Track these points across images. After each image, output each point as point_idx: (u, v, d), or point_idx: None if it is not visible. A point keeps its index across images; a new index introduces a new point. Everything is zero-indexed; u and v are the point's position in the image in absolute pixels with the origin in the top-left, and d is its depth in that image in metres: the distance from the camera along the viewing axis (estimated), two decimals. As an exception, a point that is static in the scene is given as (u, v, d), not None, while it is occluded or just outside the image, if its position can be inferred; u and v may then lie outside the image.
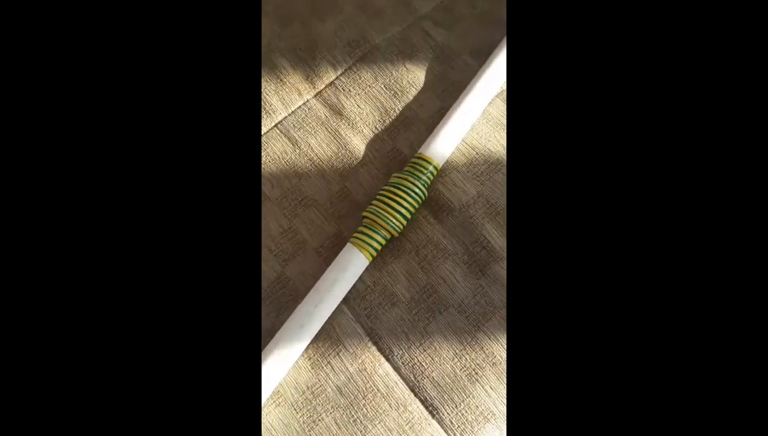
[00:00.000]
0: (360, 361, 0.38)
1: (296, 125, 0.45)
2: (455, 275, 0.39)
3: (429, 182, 0.41)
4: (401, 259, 0.40)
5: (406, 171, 0.41)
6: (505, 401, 0.36)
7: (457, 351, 0.37)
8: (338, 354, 0.38)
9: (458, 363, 0.37)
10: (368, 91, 0.46)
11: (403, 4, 0.49)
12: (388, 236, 0.39)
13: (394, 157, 0.44)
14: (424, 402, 0.37)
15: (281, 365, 0.36)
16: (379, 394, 0.37)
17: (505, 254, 0.39)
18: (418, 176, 0.40)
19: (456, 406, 0.36)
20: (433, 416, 0.36)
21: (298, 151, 0.44)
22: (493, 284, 0.39)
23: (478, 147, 0.43)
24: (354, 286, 0.39)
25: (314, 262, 0.40)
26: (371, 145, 0.44)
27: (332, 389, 0.37)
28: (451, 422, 0.36)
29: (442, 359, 0.37)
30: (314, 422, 0.36)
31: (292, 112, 0.45)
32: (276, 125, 0.45)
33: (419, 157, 0.41)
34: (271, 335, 0.37)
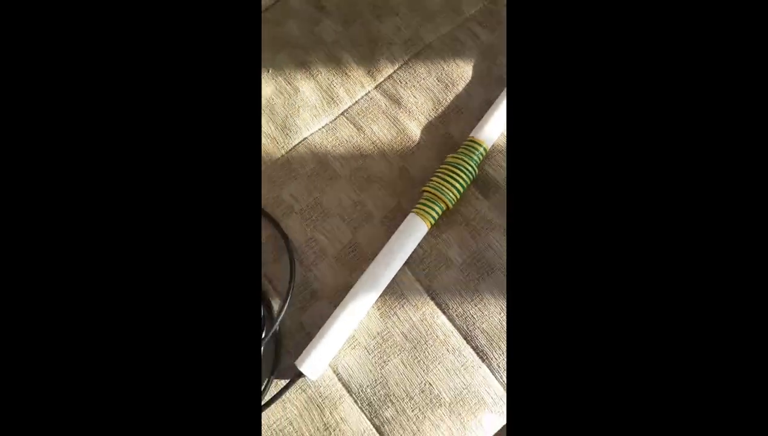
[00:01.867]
0: (421, 312, 0.44)
1: (360, 113, 0.52)
2: (500, 243, 0.46)
3: (479, 162, 0.47)
4: (454, 229, 0.47)
5: (460, 152, 0.47)
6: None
7: (503, 307, 0.44)
8: (402, 306, 0.44)
9: (504, 317, 0.43)
10: (422, 83, 0.53)
11: (452, 8, 0.56)
12: (444, 208, 0.46)
13: (446, 141, 0.50)
14: (475, 349, 0.43)
15: (356, 315, 0.42)
16: (438, 340, 0.43)
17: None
18: (470, 156, 0.47)
19: (503, 352, 0.43)
20: (482, 360, 0.43)
21: (362, 135, 0.51)
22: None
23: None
24: (414, 251, 0.46)
25: (379, 230, 0.47)
26: (426, 131, 0.51)
27: (399, 335, 0.44)
28: (498, 366, 0.42)
29: (490, 313, 0.44)
30: (384, 362, 0.43)
31: (356, 101, 0.52)
32: (342, 113, 0.52)
33: (471, 141, 0.48)
34: (346, 290, 0.44)
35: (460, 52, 0.53)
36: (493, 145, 0.49)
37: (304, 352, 0.41)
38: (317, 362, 0.41)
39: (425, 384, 0.42)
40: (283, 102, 0.52)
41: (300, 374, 0.41)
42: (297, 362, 0.41)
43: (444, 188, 0.45)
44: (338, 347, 0.42)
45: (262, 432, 0.41)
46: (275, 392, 0.41)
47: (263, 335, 0.42)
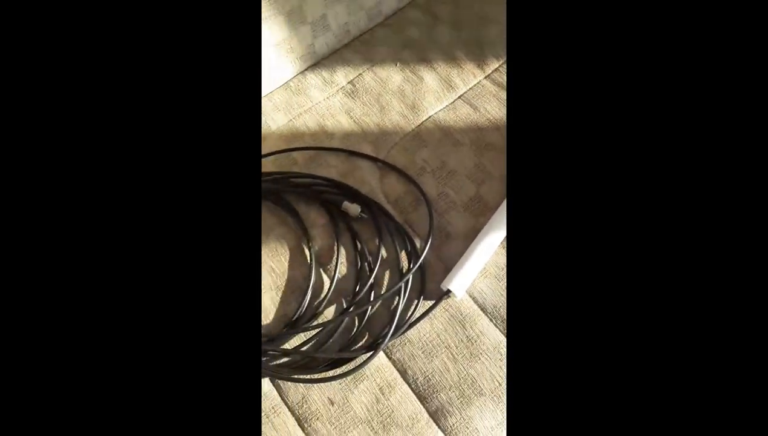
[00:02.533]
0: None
1: (474, 97, 0.63)
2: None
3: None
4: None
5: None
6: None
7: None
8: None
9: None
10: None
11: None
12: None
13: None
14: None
15: (488, 249, 0.52)
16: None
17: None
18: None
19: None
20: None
21: (477, 113, 0.62)
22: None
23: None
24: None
25: (499, 185, 0.56)
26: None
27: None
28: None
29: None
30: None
31: (470, 88, 0.64)
32: (459, 97, 0.63)
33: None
34: (476, 232, 0.53)
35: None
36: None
37: (449, 275, 0.50)
38: (461, 282, 0.50)
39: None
40: (411, 88, 0.64)
41: (444, 295, 0.50)
42: (444, 283, 0.50)
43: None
44: (476, 273, 0.51)
45: (416, 344, 0.50)
46: (422, 311, 0.50)
47: (411, 267, 0.51)
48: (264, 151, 0.62)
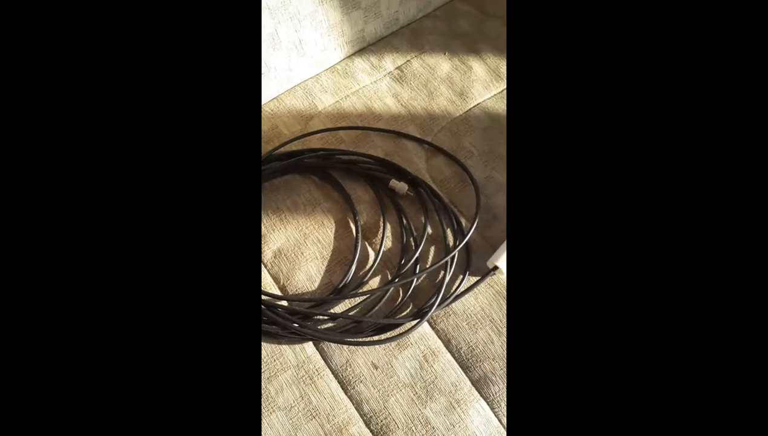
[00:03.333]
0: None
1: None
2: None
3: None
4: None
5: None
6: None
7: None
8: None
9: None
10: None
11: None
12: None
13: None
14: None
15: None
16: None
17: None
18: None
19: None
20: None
21: None
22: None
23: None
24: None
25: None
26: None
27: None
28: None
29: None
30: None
31: None
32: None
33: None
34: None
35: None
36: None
37: (496, 252, 0.52)
38: (508, 260, 0.51)
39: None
40: (460, 76, 0.66)
41: (490, 272, 0.52)
42: (491, 260, 0.52)
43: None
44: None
45: (460, 316, 0.51)
46: (468, 286, 0.52)
47: (458, 244, 0.53)
48: (310, 129, 0.64)
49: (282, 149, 0.61)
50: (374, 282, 0.55)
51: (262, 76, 0.64)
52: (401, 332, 0.51)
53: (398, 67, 0.69)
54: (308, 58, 0.67)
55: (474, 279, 0.53)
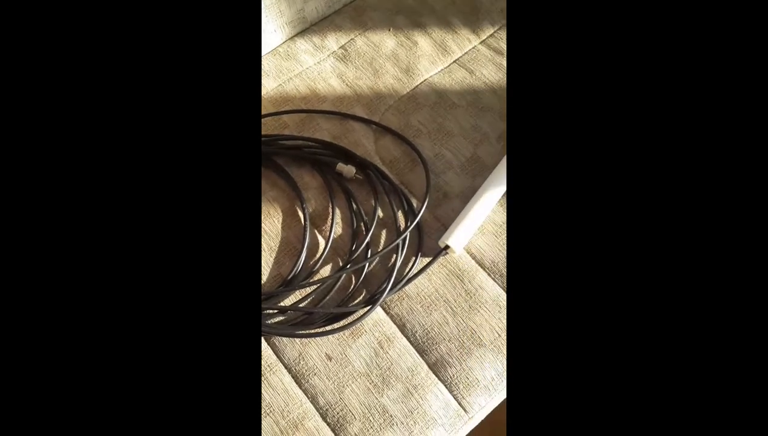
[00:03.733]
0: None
1: (470, 61, 0.64)
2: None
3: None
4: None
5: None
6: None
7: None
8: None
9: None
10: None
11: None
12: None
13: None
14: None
15: (485, 207, 0.52)
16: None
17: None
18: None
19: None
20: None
21: (473, 76, 0.62)
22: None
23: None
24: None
25: (495, 146, 0.57)
26: (524, 76, 0.61)
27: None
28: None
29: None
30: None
31: (465, 52, 0.64)
32: (455, 61, 0.64)
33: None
34: (472, 192, 0.53)
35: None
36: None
37: (447, 231, 0.51)
38: (459, 237, 0.50)
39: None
40: (405, 53, 0.64)
41: (443, 251, 0.50)
42: (442, 239, 0.50)
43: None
44: (474, 230, 0.52)
45: (414, 299, 0.50)
46: (420, 267, 0.50)
47: (409, 225, 0.51)
48: (253, 116, 0.61)
49: (224, 138, 0.59)
50: (325, 271, 0.52)
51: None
52: (354, 319, 0.49)
53: (342, 47, 0.66)
54: (246, 41, 0.64)
55: (426, 260, 0.51)
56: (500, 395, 0.48)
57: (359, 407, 0.47)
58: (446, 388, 0.47)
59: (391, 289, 0.50)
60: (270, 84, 0.64)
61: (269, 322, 0.49)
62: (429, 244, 0.52)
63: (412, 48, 0.65)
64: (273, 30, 0.65)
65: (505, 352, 0.48)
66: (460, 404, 0.47)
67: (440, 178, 0.56)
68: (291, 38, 0.67)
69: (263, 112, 0.61)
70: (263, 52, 0.66)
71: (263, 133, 0.59)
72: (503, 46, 0.64)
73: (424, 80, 0.63)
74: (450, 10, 0.67)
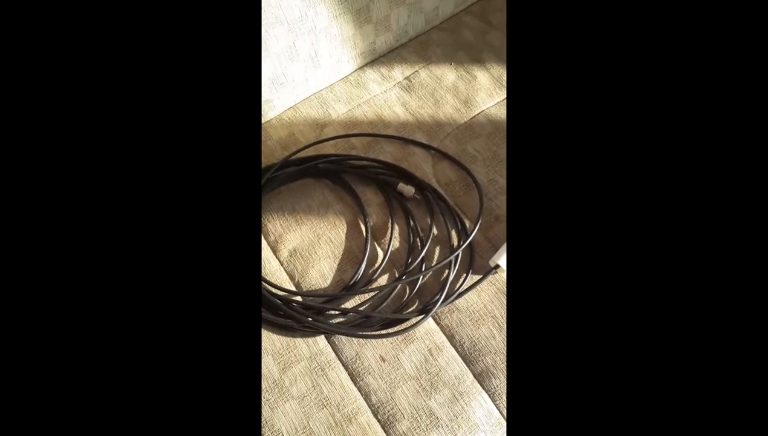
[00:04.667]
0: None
1: None
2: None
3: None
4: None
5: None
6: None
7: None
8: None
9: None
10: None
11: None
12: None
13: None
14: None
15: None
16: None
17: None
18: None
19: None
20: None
21: None
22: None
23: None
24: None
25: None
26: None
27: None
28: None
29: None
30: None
31: None
32: None
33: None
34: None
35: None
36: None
37: (498, 252, 0.54)
38: (509, 259, 0.52)
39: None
40: (464, 85, 0.68)
41: (492, 270, 0.53)
42: (493, 259, 0.53)
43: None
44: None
45: (463, 312, 0.52)
46: (470, 284, 0.53)
47: (462, 244, 0.54)
48: (324, 136, 0.66)
49: (298, 155, 0.63)
50: (382, 280, 0.56)
51: (281, 87, 0.67)
52: (407, 326, 0.52)
53: (407, 78, 0.71)
54: (323, 70, 0.69)
55: (477, 277, 0.54)
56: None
57: (408, 408, 0.50)
58: (489, 397, 0.50)
59: (443, 301, 0.53)
60: (341, 109, 0.70)
61: (331, 321, 0.54)
62: (480, 262, 0.55)
63: (471, 81, 0.69)
64: (347, 60, 0.71)
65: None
66: (501, 413, 0.49)
67: (493, 202, 0.59)
68: (361, 68, 0.73)
69: (334, 134, 0.66)
70: (336, 79, 0.72)
71: (334, 152, 0.65)
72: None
73: (481, 111, 0.66)
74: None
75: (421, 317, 0.52)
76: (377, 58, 0.74)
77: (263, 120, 0.69)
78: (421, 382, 0.51)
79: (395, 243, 0.58)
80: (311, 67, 0.67)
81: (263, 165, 0.64)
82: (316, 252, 0.58)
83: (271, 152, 0.66)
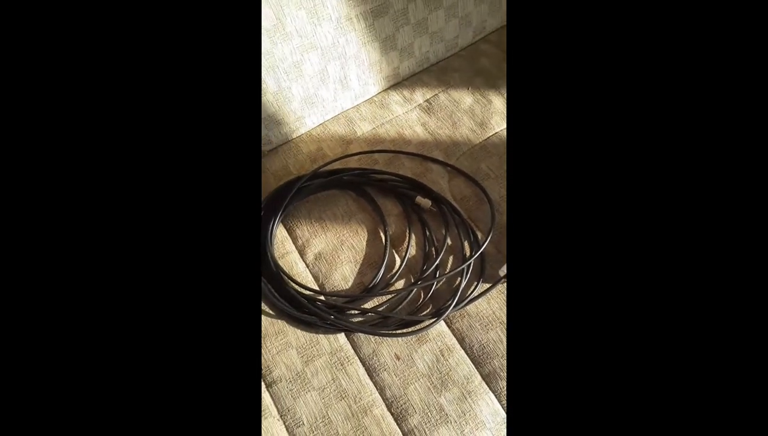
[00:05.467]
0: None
1: None
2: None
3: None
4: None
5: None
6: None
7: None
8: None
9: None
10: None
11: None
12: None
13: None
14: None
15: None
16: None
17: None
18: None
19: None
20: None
21: None
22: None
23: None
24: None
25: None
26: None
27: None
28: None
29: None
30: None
31: None
32: None
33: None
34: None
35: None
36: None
37: (507, 263, 0.56)
38: (518, 269, 0.55)
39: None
40: (480, 109, 0.72)
41: (501, 279, 0.56)
42: (502, 269, 0.57)
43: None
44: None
45: (473, 317, 0.55)
46: (481, 291, 0.56)
47: (473, 254, 0.57)
48: (350, 152, 0.71)
49: (325, 168, 0.68)
50: (399, 284, 0.60)
51: (312, 106, 0.72)
52: (421, 328, 0.55)
53: (427, 100, 0.76)
54: (350, 91, 0.74)
55: (486, 285, 0.57)
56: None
57: (420, 403, 0.53)
58: (496, 398, 0.52)
59: (454, 306, 0.56)
60: (366, 127, 0.74)
61: (352, 320, 0.57)
62: (490, 272, 0.58)
63: (487, 105, 0.73)
64: (373, 83, 0.76)
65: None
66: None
67: (503, 217, 0.62)
68: (385, 90, 0.78)
69: (359, 149, 0.71)
70: (362, 99, 0.77)
71: (358, 166, 0.69)
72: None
73: (495, 133, 0.70)
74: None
75: (434, 320, 0.55)
76: (400, 82, 0.78)
77: (294, 135, 0.74)
78: (433, 380, 0.53)
79: (412, 251, 0.61)
80: (340, 89, 0.72)
81: (294, 175, 0.69)
82: (339, 257, 0.62)
83: (301, 165, 0.71)
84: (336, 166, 0.68)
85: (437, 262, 0.59)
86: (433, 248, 0.61)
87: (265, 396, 0.54)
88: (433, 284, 0.58)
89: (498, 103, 0.73)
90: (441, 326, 0.56)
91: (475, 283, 0.58)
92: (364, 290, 0.59)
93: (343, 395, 0.54)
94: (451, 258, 0.61)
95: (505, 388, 0.53)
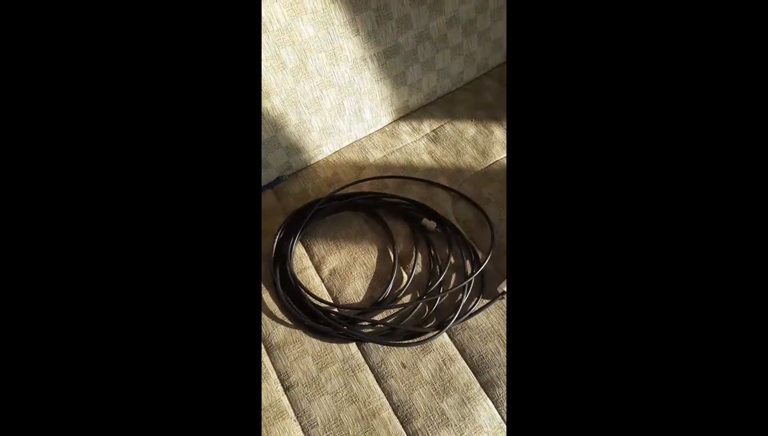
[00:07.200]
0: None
1: None
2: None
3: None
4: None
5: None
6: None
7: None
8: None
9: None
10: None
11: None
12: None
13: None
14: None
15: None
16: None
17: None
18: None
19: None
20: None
21: None
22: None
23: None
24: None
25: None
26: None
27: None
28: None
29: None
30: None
31: None
32: None
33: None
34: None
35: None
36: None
37: (505, 281, 0.60)
38: (514, 287, 0.58)
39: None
40: (483, 139, 0.76)
41: (499, 296, 0.60)
42: (501, 286, 0.60)
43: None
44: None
45: (474, 330, 0.58)
46: (481, 306, 0.60)
47: (474, 272, 0.60)
48: (363, 177, 0.75)
49: (340, 192, 0.73)
50: (406, 298, 0.63)
51: (329, 135, 0.77)
52: (425, 338, 0.59)
53: (433, 130, 0.80)
54: (364, 122, 0.79)
55: (486, 301, 0.60)
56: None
57: (423, 408, 0.55)
58: (493, 404, 0.55)
59: (456, 319, 0.59)
60: (377, 154, 0.79)
61: (362, 331, 0.61)
62: (489, 289, 0.62)
63: (489, 135, 0.77)
64: (384, 115, 0.81)
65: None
66: (503, 418, 0.54)
67: (503, 238, 0.66)
68: (395, 121, 0.83)
69: (371, 175, 0.76)
70: (375, 130, 0.82)
71: (370, 190, 0.74)
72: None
73: (496, 161, 0.74)
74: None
75: (437, 331, 0.59)
76: (409, 113, 0.83)
77: (313, 162, 0.79)
78: (435, 387, 0.56)
79: (418, 268, 0.65)
80: (355, 120, 0.77)
81: (312, 198, 0.74)
82: (351, 272, 0.66)
83: (318, 188, 0.76)
84: (350, 190, 0.73)
85: (441, 279, 0.62)
86: (437, 266, 0.65)
87: (283, 399, 0.58)
88: (437, 298, 0.61)
89: (499, 133, 0.77)
90: (444, 337, 0.59)
91: (476, 298, 0.61)
92: (374, 303, 0.63)
93: (354, 399, 0.57)
94: (453, 275, 0.64)
95: (502, 395, 0.55)
